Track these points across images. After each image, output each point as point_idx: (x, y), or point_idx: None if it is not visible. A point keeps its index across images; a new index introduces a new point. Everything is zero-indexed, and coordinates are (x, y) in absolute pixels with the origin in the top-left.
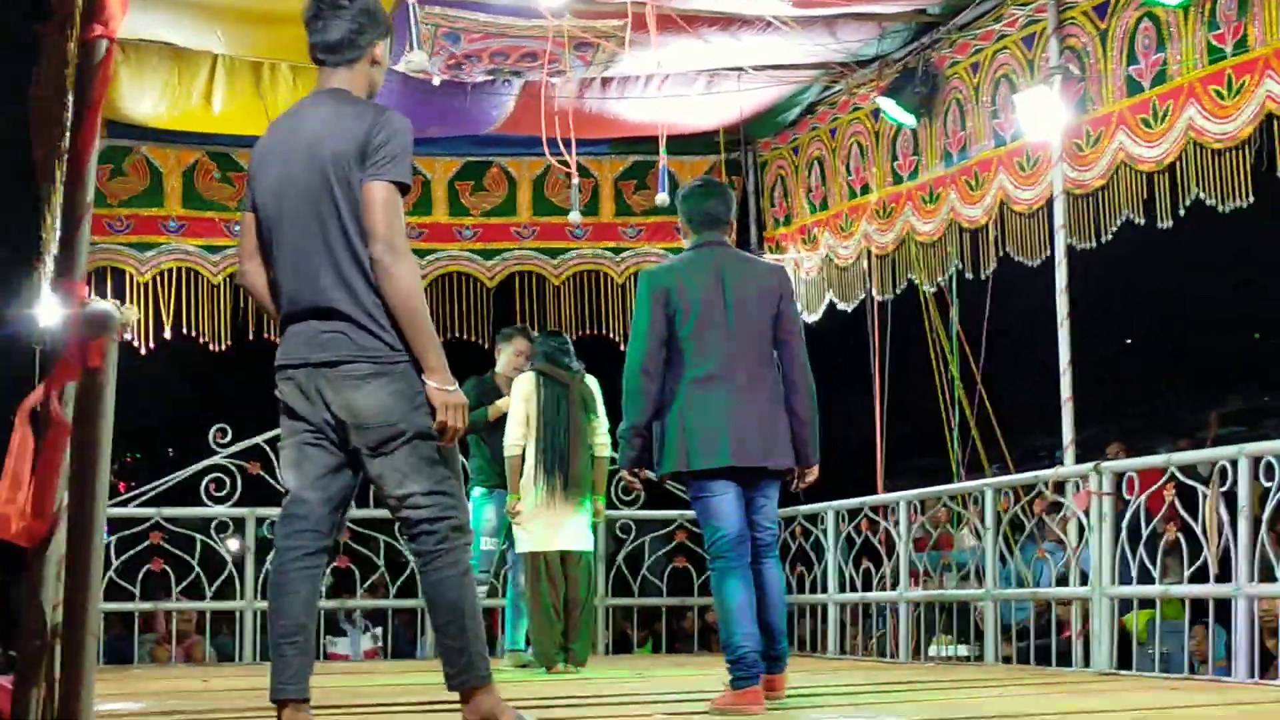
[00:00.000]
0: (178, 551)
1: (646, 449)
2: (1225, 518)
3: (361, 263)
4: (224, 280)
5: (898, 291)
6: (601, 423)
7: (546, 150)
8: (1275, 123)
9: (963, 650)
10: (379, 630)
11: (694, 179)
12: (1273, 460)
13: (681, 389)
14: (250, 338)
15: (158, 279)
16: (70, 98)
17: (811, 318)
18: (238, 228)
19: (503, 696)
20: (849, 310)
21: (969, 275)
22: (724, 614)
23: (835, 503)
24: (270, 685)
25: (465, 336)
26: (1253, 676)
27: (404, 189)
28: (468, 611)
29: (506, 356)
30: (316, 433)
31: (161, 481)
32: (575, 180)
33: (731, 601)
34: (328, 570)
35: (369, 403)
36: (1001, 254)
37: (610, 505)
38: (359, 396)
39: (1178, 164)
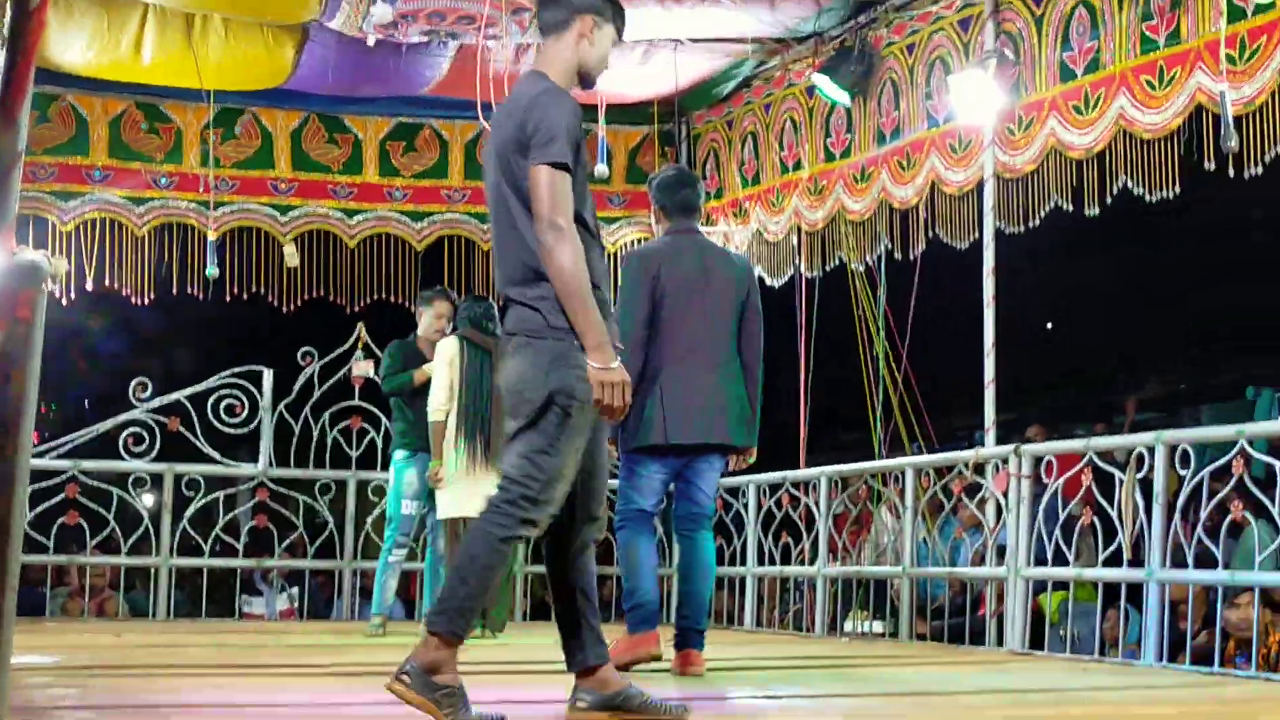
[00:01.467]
0: (94, 505)
1: (623, 421)
2: (1140, 503)
3: (529, 245)
4: (148, 232)
5: (827, 269)
6: None
7: (480, 115)
8: (1205, 115)
9: (878, 626)
10: (295, 590)
11: (668, 167)
12: (1188, 448)
13: (662, 367)
14: (174, 291)
15: (81, 228)
16: (3, 43)
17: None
18: (164, 180)
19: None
20: (777, 286)
21: (898, 255)
22: (632, 567)
23: (757, 476)
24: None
25: (392, 299)
26: (1161, 660)
27: (564, 168)
28: (479, 570)
29: (428, 319)
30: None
31: (80, 434)
32: None
33: (642, 557)
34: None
35: (511, 371)
36: (931, 235)
37: None
38: (507, 365)
39: (1107, 152)
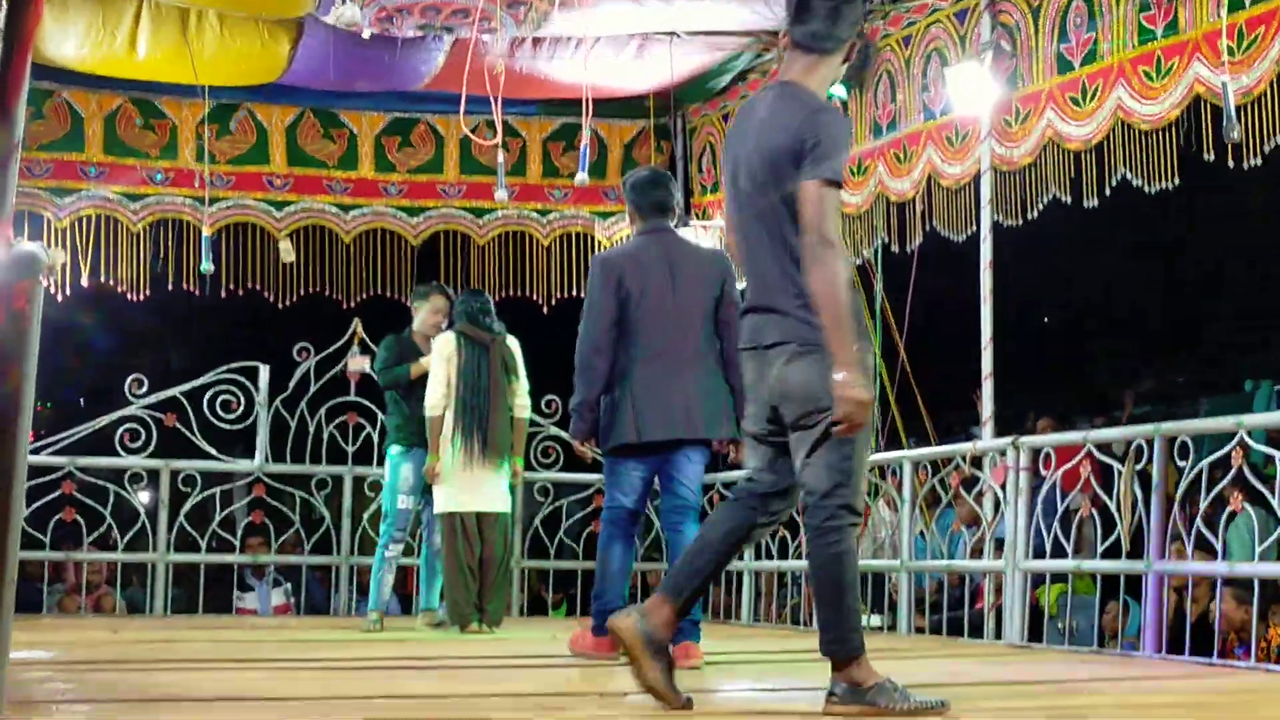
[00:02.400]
0: (90, 502)
1: (597, 422)
2: (1139, 495)
3: (793, 256)
4: (144, 229)
5: None
6: (522, 384)
7: (463, 112)
8: (1203, 105)
9: (876, 620)
10: (290, 585)
11: (642, 167)
12: (1187, 440)
13: (632, 366)
14: (170, 287)
15: (76, 225)
16: None
17: (737, 286)
18: (159, 176)
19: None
20: None
21: (894, 248)
22: (602, 570)
23: None
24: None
25: (387, 294)
26: (1160, 652)
27: (837, 185)
28: (845, 588)
29: (423, 314)
30: (757, 417)
31: (76, 430)
32: (501, 158)
33: (613, 562)
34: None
35: (793, 383)
36: (928, 228)
37: (529, 467)
38: (789, 372)
39: (1105, 144)
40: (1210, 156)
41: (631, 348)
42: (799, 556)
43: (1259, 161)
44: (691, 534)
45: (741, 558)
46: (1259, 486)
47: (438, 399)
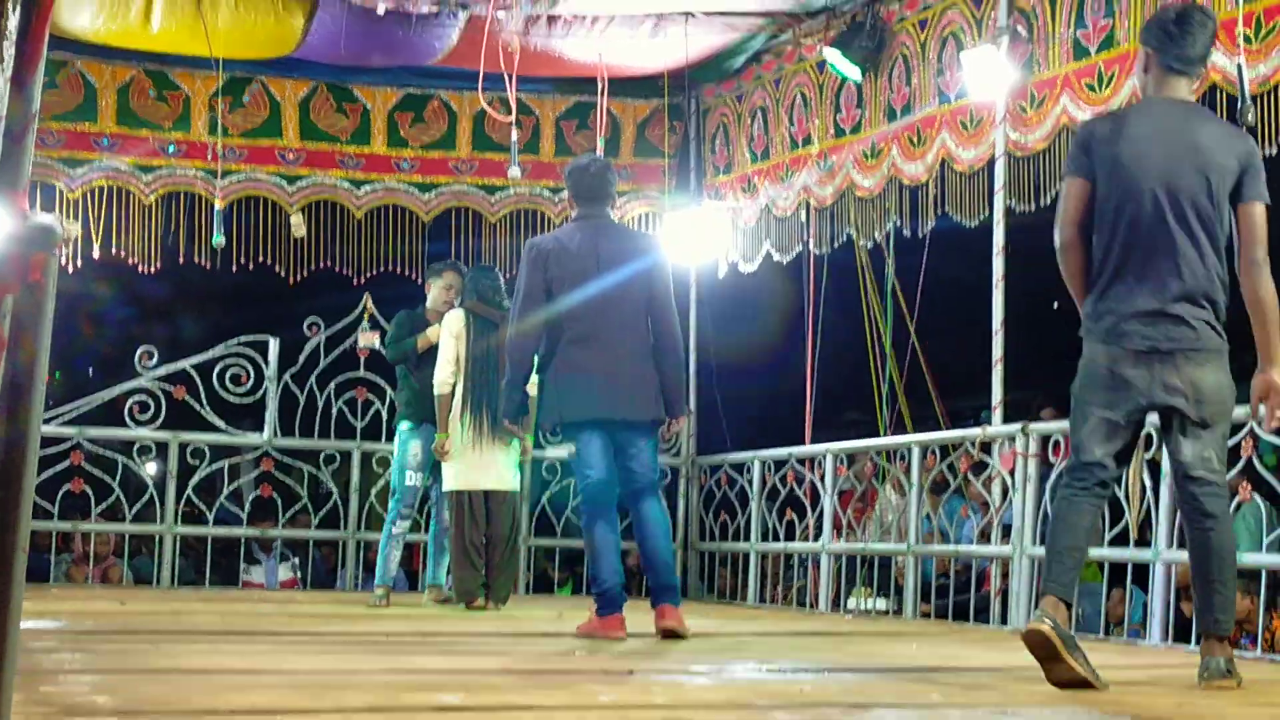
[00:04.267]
0: (98, 473)
1: (524, 403)
2: (1147, 483)
3: (1208, 267)
4: (156, 200)
5: (835, 245)
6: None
7: (480, 88)
8: (1219, 93)
9: (881, 604)
10: (297, 560)
11: (582, 155)
12: None
13: (559, 348)
14: (180, 260)
15: (88, 196)
16: (15, 4)
17: (748, 268)
18: (172, 148)
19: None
20: (785, 262)
21: (906, 232)
22: (590, 551)
23: (762, 452)
24: (1043, 579)
25: (398, 270)
26: (1166, 640)
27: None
28: (1234, 565)
29: (436, 291)
30: (1126, 407)
31: (85, 401)
32: (514, 136)
33: (598, 540)
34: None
35: (1209, 381)
36: (940, 212)
37: (537, 445)
38: (1202, 374)
39: None
40: None
41: (560, 331)
42: (806, 538)
43: (1274, 151)
44: (649, 511)
45: (748, 539)
46: (1268, 477)
47: (447, 375)
